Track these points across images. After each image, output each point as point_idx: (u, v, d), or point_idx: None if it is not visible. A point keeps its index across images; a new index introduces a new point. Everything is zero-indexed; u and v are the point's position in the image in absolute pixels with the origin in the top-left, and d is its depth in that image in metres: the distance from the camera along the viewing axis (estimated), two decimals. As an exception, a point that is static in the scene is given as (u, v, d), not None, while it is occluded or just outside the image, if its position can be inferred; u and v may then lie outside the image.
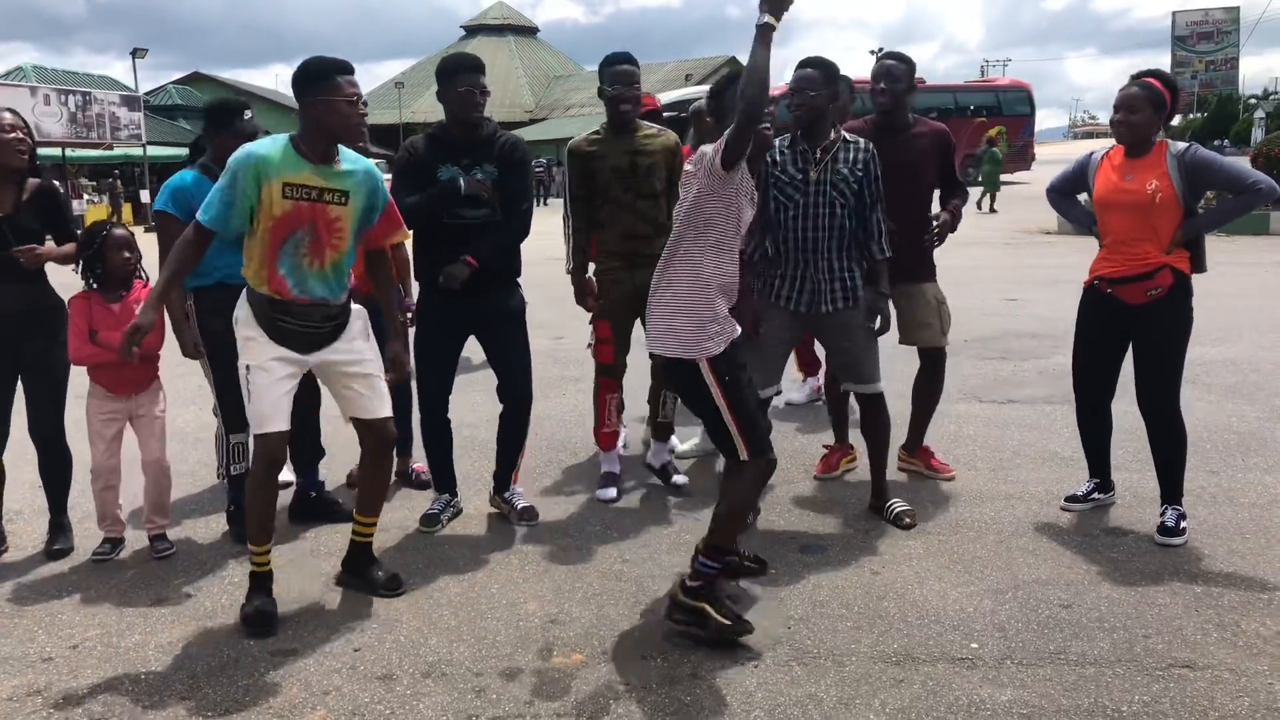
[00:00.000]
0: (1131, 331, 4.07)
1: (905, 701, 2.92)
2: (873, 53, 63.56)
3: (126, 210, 32.62)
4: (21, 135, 3.98)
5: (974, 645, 3.23)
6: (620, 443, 4.92)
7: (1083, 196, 4.41)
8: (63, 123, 28.52)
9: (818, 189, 4.07)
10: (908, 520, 4.21)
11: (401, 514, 4.52)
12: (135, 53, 33.60)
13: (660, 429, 4.88)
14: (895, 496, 4.38)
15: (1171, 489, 4.08)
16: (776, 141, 4.12)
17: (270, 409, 3.43)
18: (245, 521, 3.63)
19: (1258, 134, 32.13)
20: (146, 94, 39.28)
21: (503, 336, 4.32)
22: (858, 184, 4.09)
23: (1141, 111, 3.91)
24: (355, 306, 3.67)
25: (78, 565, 4.08)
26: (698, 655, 3.19)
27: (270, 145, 3.41)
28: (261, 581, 3.56)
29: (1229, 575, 3.67)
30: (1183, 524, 4.01)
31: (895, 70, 4.60)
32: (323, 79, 3.38)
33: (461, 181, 4.07)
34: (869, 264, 4.21)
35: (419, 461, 4.88)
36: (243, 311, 3.50)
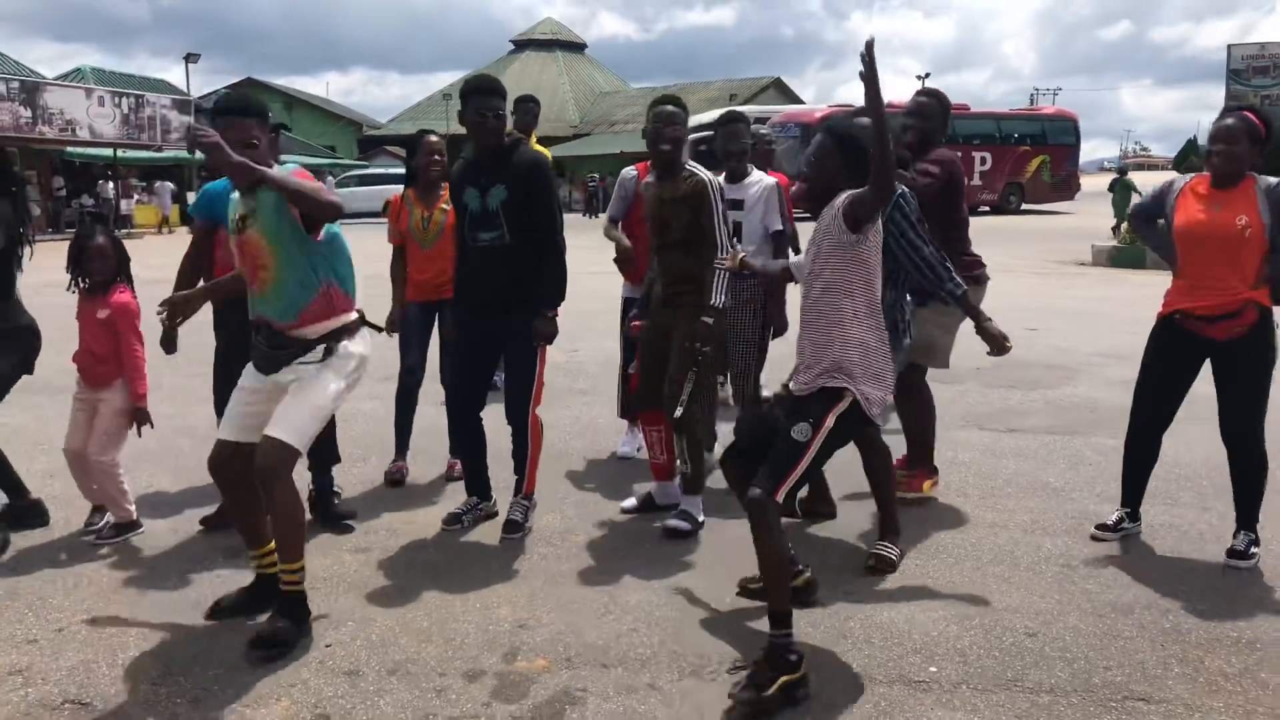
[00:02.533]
0: (1212, 363, 4.07)
1: (855, 720, 2.96)
2: (919, 78, 63.52)
3: (174, 212, 33.30)
4: None
5: (933, 669, 3.25)
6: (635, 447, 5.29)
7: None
8: (115, 124, 29.13)
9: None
10: (871, 563, 4.05)
11: (437, 511, 4.68)
12: (189, 58, 34.39)
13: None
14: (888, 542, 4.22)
15: (1247, 515, 4.14)
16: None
17: (226, 415, 3.59)
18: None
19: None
20: (200, 98, 40.03)
21: (509, 359, 4.42)
22: (899, 232, 4.07)
23: (1240, 143, 3.89)
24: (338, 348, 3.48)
25: (72, 553, 4.21)
26: (657, 667, 3.25)
27: (220, 185, 3.69)
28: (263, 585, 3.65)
29: (1201, 612, 3.66)
30: (1254, 550, 4.08)
31: (928, 108, 4.68)
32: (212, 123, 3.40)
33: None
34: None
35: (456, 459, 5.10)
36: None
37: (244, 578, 3.85)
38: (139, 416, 4.37)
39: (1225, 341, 3.99)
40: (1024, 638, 3.45)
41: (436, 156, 4.98)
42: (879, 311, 3.29)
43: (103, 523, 4.36)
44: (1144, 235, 4.62)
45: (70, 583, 3.91)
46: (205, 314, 4.23)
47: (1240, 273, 3.91)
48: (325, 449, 4.49)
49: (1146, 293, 4.45)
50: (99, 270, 4.33)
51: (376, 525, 4.54)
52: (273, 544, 3.51)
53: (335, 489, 4.67)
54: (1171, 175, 4.81)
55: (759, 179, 5.00)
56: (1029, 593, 3.83)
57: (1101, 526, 4.39)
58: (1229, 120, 3.93)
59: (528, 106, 7.30)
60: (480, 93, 4.18)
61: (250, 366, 3.56)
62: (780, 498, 3.12)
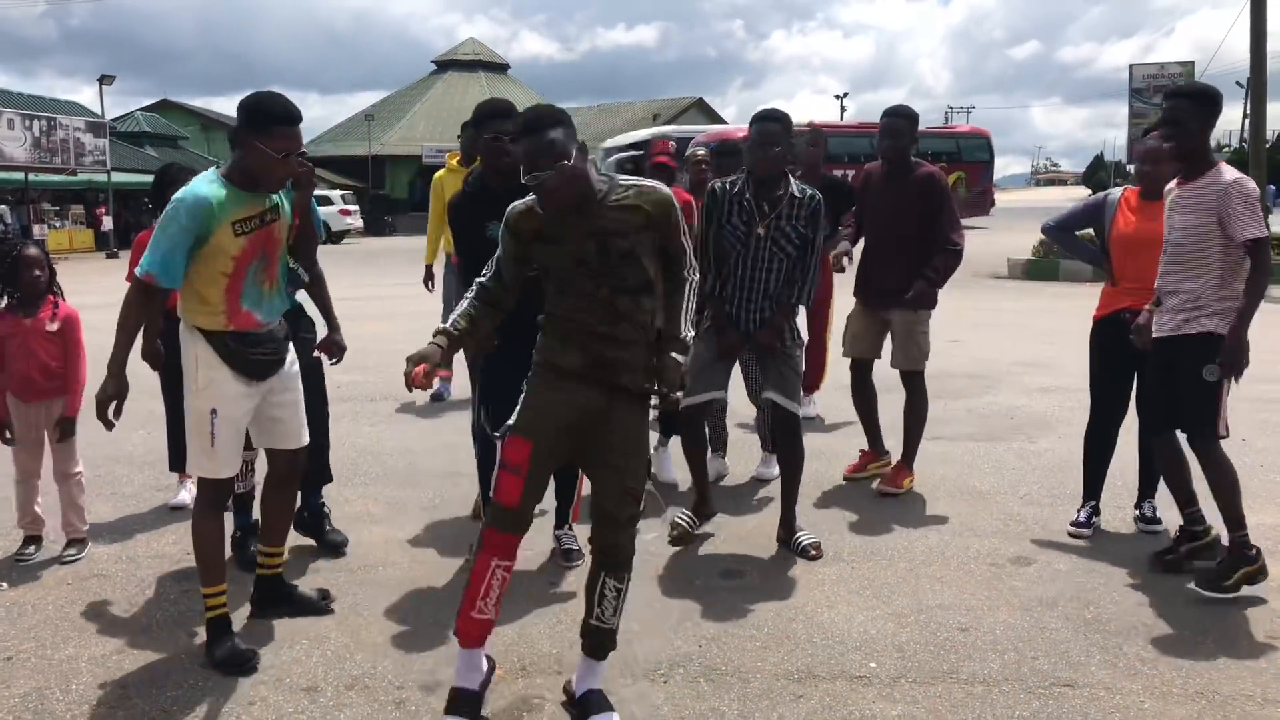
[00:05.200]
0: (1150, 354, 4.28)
1: (802, 715, 3.10)
2: (837, 97, 65.00)
3: (88, 236, 32.50)
4: None
5: (873, 664, 3.42)
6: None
7: (1081, 233, 4.93)
8: (26, 147, 28.40)
9: (759, 244, 4.33)
10: (814, 552, 4.37)
11: (383, 531, 4.65)
12: (103, 79, 33.67)
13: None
14: (805, 528, 4.55)
15: (1150, 484, 4.71)
16: (724, 184, 4.40)
17: (230, 456, 3.45)
18: (198, 560, 3.54)
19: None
20: (114, 120, 39.19)
21: None
22: (800, 239, 4.35)
23: (1162, 163, 4.30)
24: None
25: (16, 581, 4.17)
26: (611, 672, 3.34)
27: (207, 188, 3.28)
28: (218, 625, 3.49)
29: (1119, 603, 3.89)
30: (1158, 514, 4.69)
31: (898, 127, 5.09)
32: (265, 122, 3.28)
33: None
34: (781, 302, 4.44)
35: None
36: (200, 352, 3.38)
37: (192, 603, 3.88)
38: (66, 427, 4.33)
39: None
40: (957, 633, 3.64)
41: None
42: None
43: (34, 550, 4.33)
44: (1064, 244, 4.98)
45: (15, 611, 3.88)
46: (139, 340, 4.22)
47: None
48: (318, 469, 4.43)
49: (1061, 304, 4.77)
50: (36, 280, 4.26)
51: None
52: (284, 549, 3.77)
53: (326, 510, 4.60)
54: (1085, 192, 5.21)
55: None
56: (960, 590, 4.02)
57: (1076, 524, 4.65)
58: (1150, 141, 4.41)
59: (471, 134, 7.32)
60: (491, 116, 4.03)
61: (241, 387, 3.42)
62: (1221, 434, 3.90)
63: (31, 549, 4.33)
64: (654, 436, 5.51)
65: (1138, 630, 3.65)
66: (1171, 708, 3.12)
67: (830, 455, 5.93)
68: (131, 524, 4.89)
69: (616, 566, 3.08)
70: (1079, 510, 4.71)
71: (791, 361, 4.46)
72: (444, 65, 60.57)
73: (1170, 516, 4.77)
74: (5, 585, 4.12)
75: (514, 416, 3.01)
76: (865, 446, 5.59)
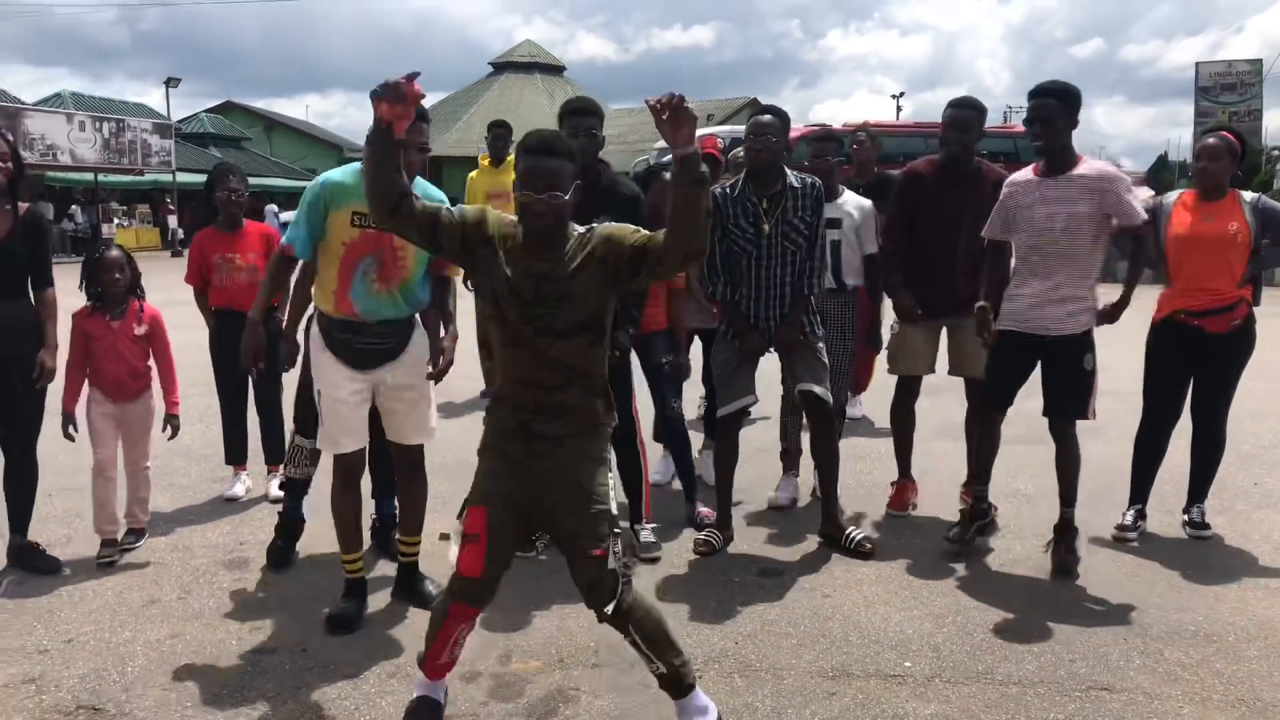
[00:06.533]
0: (1202, 357, 4.47)
1: (834, 712, 3.12)
2: (894, 97, 64.35)
3: (154, 234, 33.29)
4: (3, 164, 4.06)
5: (907, 663, 3.43)
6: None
7: None
8: (96, 148, 29.16)
9: (769, 241, 4.35)
10: (868, 546, 4.40)
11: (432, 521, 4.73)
12: (169, 82, 34.49)
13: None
14: (851, 524, 4.57)
15: (1202, 489, 4.70)
16: (722, 188, 4.41)
17: (341, 432, 3.67)
18: (336, 530, 3.77)
19: (1281, 185, 32.13)
20: (180, 121, 40.07)
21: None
22: (807, 228, 4.37)
23: (1223, 159, 4.38)
24: (419, 329, 3.77)
25: (79, 568, 4.33)
26: (645, 667, 3.39)
27: (344, 174, 3.59)
28: (351, 586, 3.81)
29: (1162, 607, 3.85)
30: (1207, 519, 4.67)
31: (966, 119, 4.74)
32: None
33: None
34: (798, 297, 4.43)
35: None
36: (314, 332, 3.69)
37: (242, 591, 4.04)
38: (175, 423, 4.51)
39: (1220, 336, 4.41)
40: (995, 634, 3.63)
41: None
42: None
43: (113, 552, 4.40)
44: (1120, 250, 4.87)
45: (76, 597, 4.03)
46: (196, 336, 4.36)
47: (1229, 274, 4.37)
48: (387, 476, 4.40)
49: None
50: (116, 283, 4.37)
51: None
52: (361, 551, 3.85)
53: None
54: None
55: (851, 198, 5.06)
56: (1001, 593, 4.01)
57: (1121, 527, 4.63)
58: (1211, 140, 4.40)
59: (499, 133, 7.40)
60: (573, 113, 4.25)
61: (344, 370, 3.62)
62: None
63: (109, 551, 4.40)
64: (698, 439, 5.54)
65: (1180, 635, 3.61)
66: (1210, 714, 3.09)
67: (874, 457, 5.93)
68: (187, 515, 5.04)
69: (615, 622, 2.89)
70: (1125, 514, 4.67)
71: (817, 351, 4.47)
72: (500, 67, 60.99)
73: (1220, 522, 4.72)
74: (68, 570, 4.28)
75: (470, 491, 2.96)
76: (897, 476, 5.19)
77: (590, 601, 2.86)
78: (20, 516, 4.37)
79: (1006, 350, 4.31)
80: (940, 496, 5.23)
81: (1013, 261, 4.31)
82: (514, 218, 2.91)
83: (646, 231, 2.82)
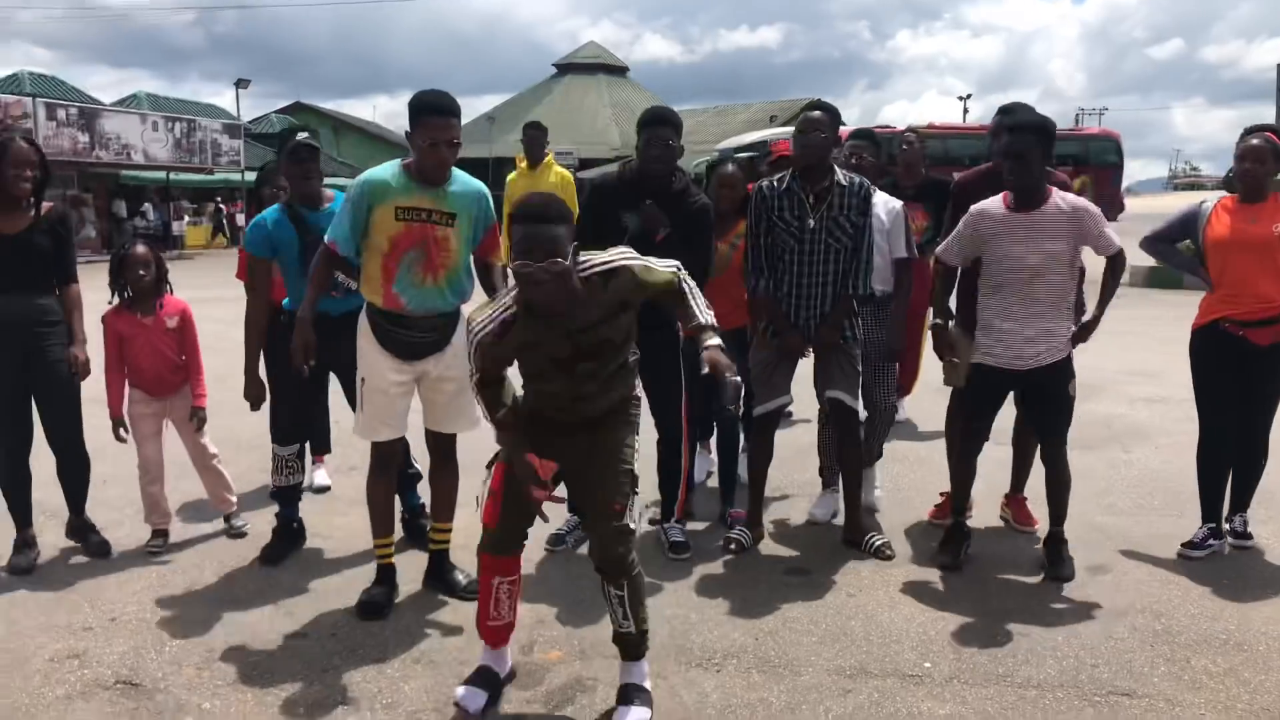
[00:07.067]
0: (1247, 366, 4.35)
1: (849, 709, 3.14)
2: (961, 99, 63.26)
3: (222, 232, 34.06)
4: (29, 173, 4.14)
5: (927, 664, 3.42)
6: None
7: (1183, 245, 4.73)
8: (168, 148, 29.97)
9: (814, 237, 4.32)
10: (887, 552, 4.39)
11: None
12: (239, 83, 35.28)
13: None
14: (873, 529, 4.57)
15: (1244, 499, 4.56)
16: (770, 183, 4.40)
17: (380, 421, 3.82)
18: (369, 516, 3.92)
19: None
20: (250, 122, 41.01)
21: (655, 369, 4.13)
22: (853, 228, 4.33)
23: (1266, 162, 4.25)
24: (463, 321, 3.80)
25: (127, 551, 4.49)
26: (665, 660, 3.44)
27: (385, 171, 3.70)
28: (382, 572, 3.93)
29: (1194, 615, 3.80)
30: (1249, 529, 4.55)
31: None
32: (415, 114, 3.58)
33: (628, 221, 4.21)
34: (841, 295, 4.40)
35: None
36: (362, 323, 3.81)
37: (280, 577, 4.16)
38: (201, 416, 4.60)
39: (1262, 346, 4.28)
40: (1018, 638, 3.61)
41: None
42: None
43: (163, 543, 4.54)
44: (1165, 256, 4.80)
45: (122, 579, 4.19)
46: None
47: (1276, 279, 4.22)
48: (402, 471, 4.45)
49: (1182, 312, 4.62)
50: (142, 279, 4.44)
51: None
52: (392, 536, 3.97)
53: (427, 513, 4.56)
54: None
55: (880, 200, 4.78)
56: (1028, 597, 3.98)
57: (1188, 545, 4.43)
58: (1255, 140, 4.27)
59: (534, 134, 7.41)
60: (654, 123, 4.29)
61: (388, 360, 3.75)
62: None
63: (160, 542, 4.55)
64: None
65: (1209, 644, 3.56)
66: (1233, 722, 3.05)
67: (915, 460, 5.90)
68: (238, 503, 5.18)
69: (611, 574, 3.07)
70: (1197, 531, 4.49)
71: (851, 358, 4.44)
72: (564, 68, 61.38)
73: (1263, 532, 4.63)
74: (116, 554, 4.44)
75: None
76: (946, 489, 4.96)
77: (601, 552, 3.06)
78: (76, 501, 4.54)
79: (984, 384, 4.28)
80: (973, 498, 5.18)
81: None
82: (487, 336, 2.97)
83: (661, 272, 3.03)
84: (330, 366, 4.32)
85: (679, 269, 3.09)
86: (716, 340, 2.98)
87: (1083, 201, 4.09)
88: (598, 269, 2.95)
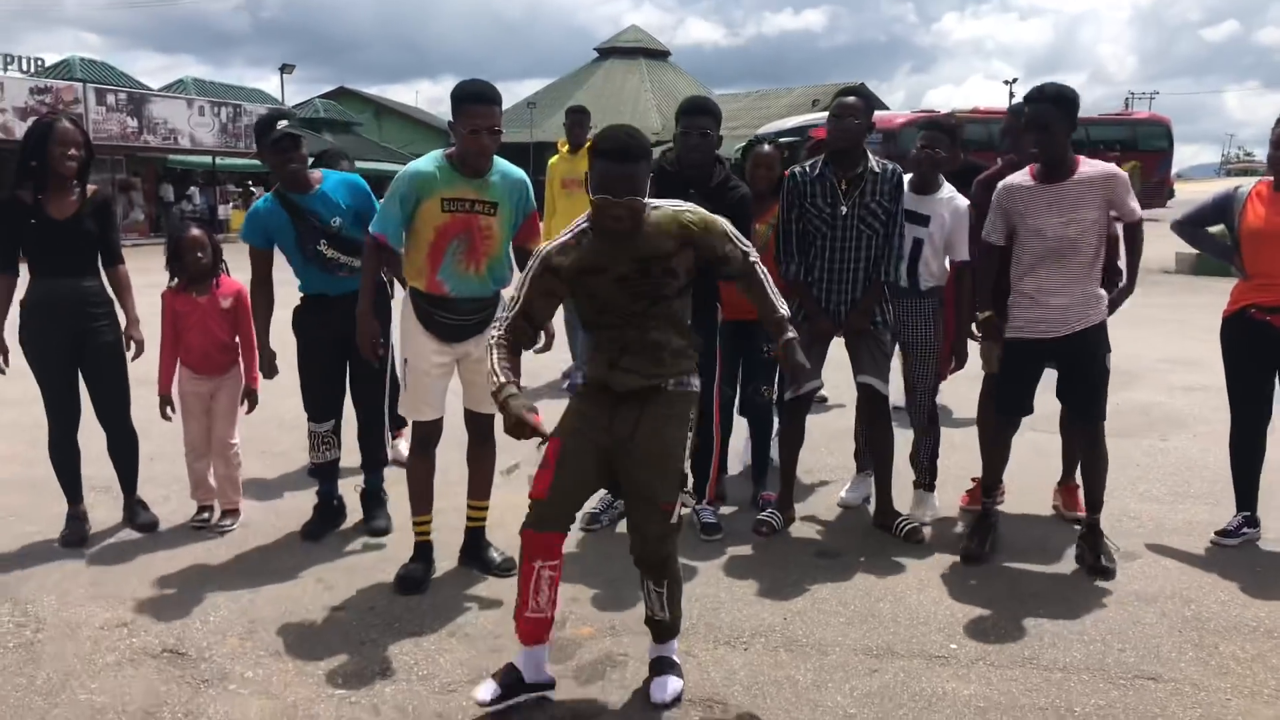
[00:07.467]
0: (1276, 353, 4.32)
1: (874, 688, 3.19)
2: (1006, 83, 61.98)
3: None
4: (74, 152, 4.25)
5: (953, 646, 3.46)
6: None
7: (1216, 230, 4.68)
8: (214, 133, 30.42)
9: (846, 223, 4.34)
10: (919, 535, 4.42)
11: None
12: (283, 69, 35.75)
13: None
14: (904, 512, 4.59)
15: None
16: (802, 168, 4.43)
17: (423, 401, 3.96)
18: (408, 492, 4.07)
19: None
20: (295, 106, 41.41)
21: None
22: (885, 214, 4.35)
23: None
24: (502, 305, 3.86)
25: (174, 527, 4.63)
26: (694, 637, 3.51)
27: (429, 163, 3.77)
28: (419, 549, 4.04)
29: (1224, 602, 3.80)
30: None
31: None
32: (457, 103, 3.66)
33: None
34: (873, 281, 4.42)
35: None
36: (405, 307, 3.95)
37: (321, 553, 4.27)
38: (253, 397, 4.73)
39: None
40: (1046, 621, 3.64)
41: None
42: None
43: (209, 516, 4.69)
44: (1195, 240, 4.78)
45: (170, 553, 4.32)
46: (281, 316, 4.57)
47: None
48: (371, 450, 4.71)
49: (1225, 300, 4.60)
50: (199, 261, 4.54)
51: (444, 507, 4.85)
52: (430, 514, 4.08)
53: (384, 496, 4.77)
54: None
55: (951, 195, 4.63)
56: (1058, 582, 4.00)
57: (1221, 533, 4.42)
58: None
59: (577, 118, 7.45)
60: (691, 112, 4.37)
61: (430, 343, 3.88)
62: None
63: (206, 515, 4.70)
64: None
65: (1238, 630, 3.56)
66: (1259, 708, 3.06)
67: (948, 445, 5.80)
68: (278, 480, 5.33)
69: (653, 572, 3.12)
70: (1232, 520, 4.48)
71: (881, 344, 4.46)
72: (605, 53, 61.35)
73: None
74: (164, 528, 4.58)
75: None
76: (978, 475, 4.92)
77: (644, 548, 3.07)
78: (129, 479, 4.69)
79: (1018, 359, 4.24)
80: (1008, 485, 5.18)
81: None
82: (554, 245, 3.08)
83: (735, 248, 3.11)
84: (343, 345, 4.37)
85: (752, 251, 3.17)
86: (793, 334, 3.12)
87: (1110, 166, 4.06)
88: (671, 208, 3.06)
